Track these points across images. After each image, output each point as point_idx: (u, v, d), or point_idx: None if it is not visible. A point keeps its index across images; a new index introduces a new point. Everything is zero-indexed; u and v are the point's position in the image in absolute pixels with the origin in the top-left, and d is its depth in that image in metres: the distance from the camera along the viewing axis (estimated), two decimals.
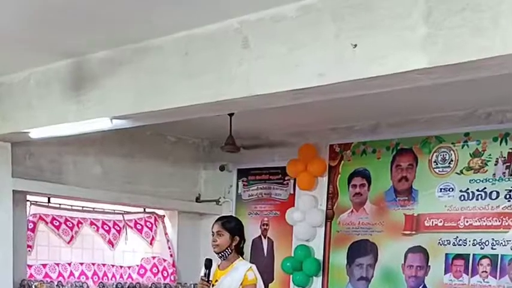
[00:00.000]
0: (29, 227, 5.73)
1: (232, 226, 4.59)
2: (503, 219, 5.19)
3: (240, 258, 4.59)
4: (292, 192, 6.42)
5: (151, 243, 6.62)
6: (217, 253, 4.57)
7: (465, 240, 5.35)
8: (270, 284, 6.17)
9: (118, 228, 6.38)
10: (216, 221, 4.65)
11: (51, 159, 5.68)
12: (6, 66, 4.54)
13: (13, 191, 5.30)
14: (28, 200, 5.70)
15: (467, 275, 5.30)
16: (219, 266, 4.60)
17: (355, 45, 3.16)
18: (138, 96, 4.06)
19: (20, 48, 4.16)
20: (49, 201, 5.90)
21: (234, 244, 4.55)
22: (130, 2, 3.43)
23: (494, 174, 5.24)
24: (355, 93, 3.49)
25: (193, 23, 3.68)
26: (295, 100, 3.63)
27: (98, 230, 6.22)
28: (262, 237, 6.60)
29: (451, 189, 5.45)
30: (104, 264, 6.22)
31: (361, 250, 5.92)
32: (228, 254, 4.54)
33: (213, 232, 4.59)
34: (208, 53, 3.71)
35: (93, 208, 6.23)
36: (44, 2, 3.42)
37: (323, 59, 3.27)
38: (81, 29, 3.84)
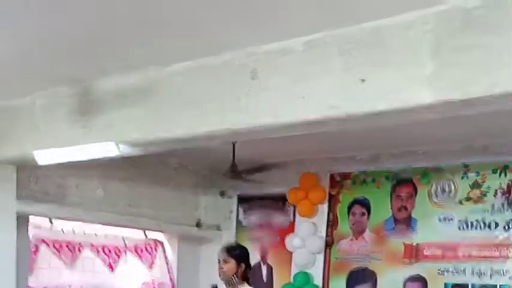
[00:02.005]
0: (31, 249, 5.75)
1: (238, 253, 4.63)
2: (502, 249, 5.25)
3: (246, 284, 4.62)
4: (292, 219, 6.47)
5: (150, 268, 6.65)
6: (224, 280, 4.60)
7: (464, 269, 5.41)
8: None
9: (118, 252, 6.41)
10: (222, 248, 4.70)
11: (54, 182, 5.71)
12: (14, 90, 4.56)
13: (17, 213, 5.33)
14: (31, 223, 5.73)
15: None
16: None
17: (363, 80, 3.22)
18: (145, 124, 4.07)
19: (28, 73, 4.18)
20: (51, 223, 5.93)
21: (240, 271, 4.59)
22: (139, 31, 3.46)
23: (493, 205, 5.32)
24: (362, 125, 3.55)
25: (202, 53, 3.72)
26: (302, 131, 3.68)
27: (98, 253, 6.25)
28: (262, 263, 6.63)
29: (450, 219, 5.51)
30: None
31: (360, 278, 5.97)
32: (234, 281, 4.57)
33: (219, 259, 4.62)
34: (216, 83, 3.74)
35: (95, 233, 6.26)
36: (52, 30, 3.46)
37: (330, 92, 3.31)
38: (88, 57, 3.88)
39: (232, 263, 4.58)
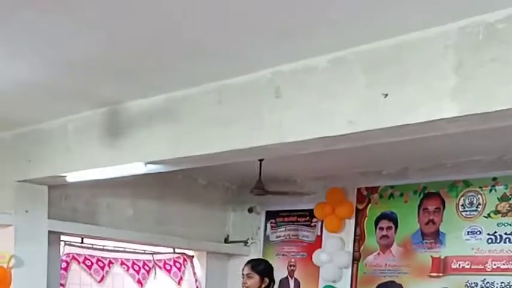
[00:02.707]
0: (62, 266, 5.85)
1: (261, 268, 4.69)
2: None
3: None
4: (319, 234, 6.49)
5: (179, 283, 6.71)
6: None
7: (493, 282, 5.38)
8: None
9: (147, 268, 6.49)
10: (246, 263, 4.75)
11: (85, 201, 5.82)
12: (46, 113, 4.70)
13: (48, 231, 5.43)
14: (62, 240, 5.83)
15: None
16: None
17: (386, 95, 3.25)
18: (172, 143, 4.15)
19: (60, 97, 4.31)
20: (82, 242, 6.04)
21: (263, 286, 4.65)
22: (167, 55, 3.55)
23: None
24: (385, 140, 3.56)
25: (227, 73, 3.78)
26: (326, 147, 3.71)
27: (128, 269, 6.34)
28: (289, 277, 6.66)
29: (478, 232, 5.49)
30: None
31: None
32: None
33: (243, 274, 4.69)
34: (241, 102, 3.80)
35: (124, 248, 6.35)
36: (83, 55, 3.56)
37: (354, 108, 3.34)
38: (118, 80, 3.99)
39: (256, 278, 4.63)
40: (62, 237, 5.81)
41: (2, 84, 4.03)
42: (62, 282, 5.85)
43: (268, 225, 6.87)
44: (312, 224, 6.54)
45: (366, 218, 6.16)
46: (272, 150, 3.88)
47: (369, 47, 3.29)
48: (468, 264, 5.52)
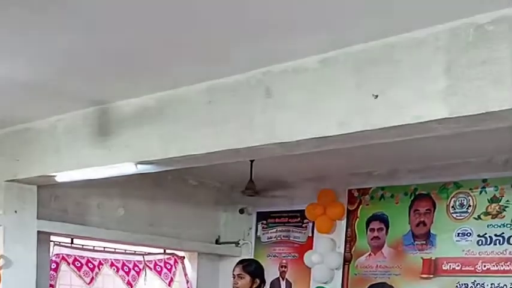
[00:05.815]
0: (52, 267, 5.82)
1: (252, 269, 4.68)
2: None
3: None
4: (310, 235, 6.49)
5: (169, 285, 6.68)
6: None
7: (483, 284, 5.40)
8: None
9: (138, 270, 6.45)
10: (237, 263, 4.75)
11: (75, 202, 5.79)
12: (35, 112, 4.67)
13: (37, 231, 5.40)
14: (52, 241, 5.80)
15: None
16: None
17: (377, 96, 3.25)
18: (163, 143, 4.14)
19: (50, 96, 4.28)
20: (72, 242, 6.01)
21: (254, 287, 4.63)
22: (156, 54, 3.55)
23: None
24: (375, 141, 3.56)
25: (218, 73, 3.78)
26: (317, 148, 3.71)
27: (118, 271, 6.30)
28: (281, 278, 6.65)
29: (468, 234, 5.50)
30: None
31: None
32: None
33: (234, 275, 4.68)
34: (232, 102, 3.80)
35: (115, 249, 6.32)
36: (73, 53, 3.55)
37: (344, 109, 3.35)
38: (108, 79, 3.98)
39: (246, 279, 4.63)
40: (52, 238, 5.78)
41: None
42: (52, 283, 5.82)
43: (260, 226, 6.86)
44: (303, 225, 6.54)
45: (357, 219, 6.17)
46: (263, 151, 3.87)
47: (359, 48, 3.30)
48: (459, 266, 5.53)
